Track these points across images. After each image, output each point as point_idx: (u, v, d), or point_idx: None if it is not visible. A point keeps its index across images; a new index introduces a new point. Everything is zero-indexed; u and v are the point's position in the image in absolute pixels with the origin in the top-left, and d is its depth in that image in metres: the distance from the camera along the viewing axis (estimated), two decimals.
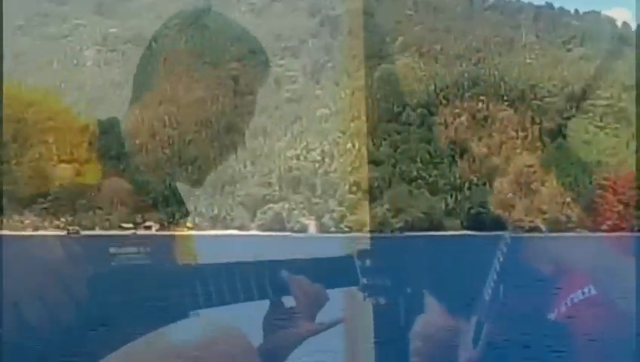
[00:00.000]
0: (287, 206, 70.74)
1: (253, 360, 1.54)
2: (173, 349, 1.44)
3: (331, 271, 1.81)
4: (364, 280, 1.82)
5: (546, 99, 75.57)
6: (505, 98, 76.43)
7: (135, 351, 1.45)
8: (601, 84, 74.64)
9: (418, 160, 71.99)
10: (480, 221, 64.02)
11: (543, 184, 67.52)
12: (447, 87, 77.79)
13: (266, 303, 1.73)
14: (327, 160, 73.82)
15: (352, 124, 75.64)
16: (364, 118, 76.13)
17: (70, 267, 1.43)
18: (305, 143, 76.01)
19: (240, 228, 68.02)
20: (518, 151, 71.84)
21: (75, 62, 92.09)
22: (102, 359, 1.43)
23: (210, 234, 55.04)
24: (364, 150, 73.04)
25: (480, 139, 73.23)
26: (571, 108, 74.23)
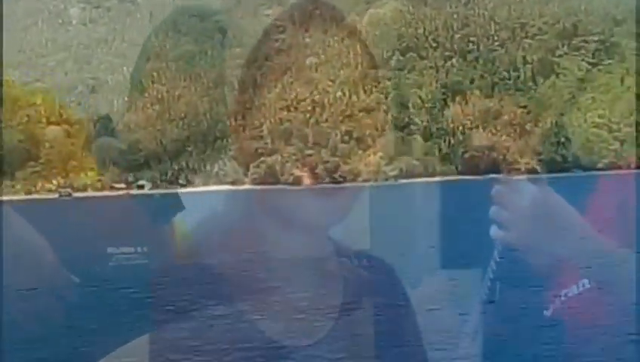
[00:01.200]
0: (279, 158, 70.34)
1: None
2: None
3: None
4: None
5: (537, 37, 74.79)
6: (495, 38, 75.63)
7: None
8: (593, 19, 73.78)
9: (410, 106, 71.58)
10: (475, 165, 64.06)
11: (536, 124, 67.31)
12: (437, 29, 76.88)
13: None
14: (317, 109, 73.28)
15: (341, 72, 74.94)
16: (353, 65, 75.44)
17: None
18: (295, 94, 75.31)
19: (233, 183, 67.69)
20: (510, 92, 71.45)
21: (60, 21, 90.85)
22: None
23: (203, 191, 54.84)
24: (354, 98, 72.55)
25: (472, 81, 72.73)
26: (563, 45, 73.52)
